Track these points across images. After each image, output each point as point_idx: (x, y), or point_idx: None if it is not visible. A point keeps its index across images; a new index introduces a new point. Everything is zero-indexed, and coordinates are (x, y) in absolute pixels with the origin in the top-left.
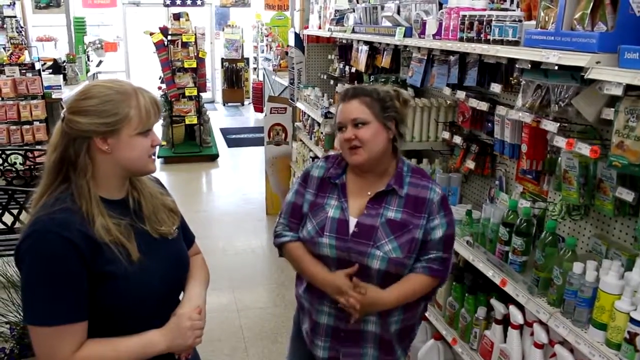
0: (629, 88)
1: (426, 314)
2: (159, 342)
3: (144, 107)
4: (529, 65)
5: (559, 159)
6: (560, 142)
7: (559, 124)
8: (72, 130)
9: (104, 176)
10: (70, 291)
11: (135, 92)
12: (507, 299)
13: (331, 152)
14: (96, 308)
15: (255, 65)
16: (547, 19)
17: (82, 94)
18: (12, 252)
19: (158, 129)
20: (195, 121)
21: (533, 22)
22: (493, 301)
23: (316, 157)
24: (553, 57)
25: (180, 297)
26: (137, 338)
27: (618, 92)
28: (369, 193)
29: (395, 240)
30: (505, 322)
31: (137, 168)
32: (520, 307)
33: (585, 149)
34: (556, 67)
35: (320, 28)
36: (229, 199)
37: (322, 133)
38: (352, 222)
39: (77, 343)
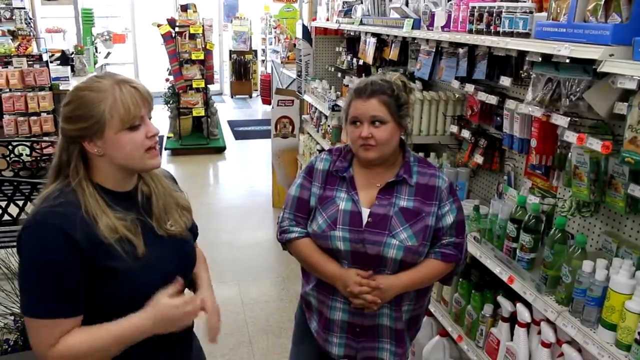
0: None
1: (432, 310)
2: (141, 322)
3: (121, 102)
4: (540, 58)
5: (570, 154)
6: (571, 137)
7: (569, 119)
8: (63, 136)
9: (106, 174)
10: (64, 285)
11: (114, 87)
12: (514, 297)
13: (338, 145)
14: (96, 302)
15: (263, 58)
16: (558, 11)
17: (65, 99)
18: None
19: (165, 121)
20: (202, 113)
21: (544, 14)
22: (500, 298)
23: (323, 149)
24: (565, 50)
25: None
26: (121, 321)
27: (632, 85)
28: (378, 185)
29: (409, 228)
30: (512, 320)
31: (134, 165)
32: (528, 305)
33: (596, 145)
34: (568, 60)
35: (328, 20)
36: (236, 191)
37: (329, 126)
38: (365, 212)
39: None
